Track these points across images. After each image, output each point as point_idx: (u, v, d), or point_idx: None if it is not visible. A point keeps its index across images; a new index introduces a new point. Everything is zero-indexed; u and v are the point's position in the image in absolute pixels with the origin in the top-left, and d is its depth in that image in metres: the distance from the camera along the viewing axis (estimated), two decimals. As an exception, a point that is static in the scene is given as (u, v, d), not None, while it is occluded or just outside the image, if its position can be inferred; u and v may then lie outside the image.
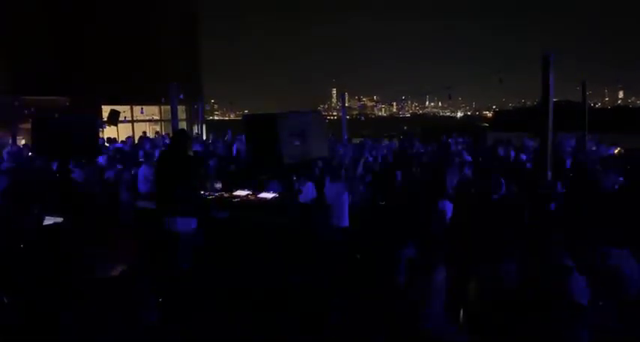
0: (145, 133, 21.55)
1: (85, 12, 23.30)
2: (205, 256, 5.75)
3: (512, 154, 10.10)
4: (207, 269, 5.75)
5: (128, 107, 23.96)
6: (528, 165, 8.58)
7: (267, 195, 6.10)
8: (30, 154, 11.07)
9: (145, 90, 23.01)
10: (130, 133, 23.32)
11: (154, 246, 5.38)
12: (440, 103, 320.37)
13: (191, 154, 5.51)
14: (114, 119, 15.47)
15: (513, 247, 3.88)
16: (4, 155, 10.65)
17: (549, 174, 6.86)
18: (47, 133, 7.57)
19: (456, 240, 4.61)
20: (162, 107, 26.73)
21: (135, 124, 25.55)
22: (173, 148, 5.52)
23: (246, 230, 5.72)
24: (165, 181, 5.28)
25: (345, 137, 11.38)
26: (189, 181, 5.16)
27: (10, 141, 16.58)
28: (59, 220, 5.91)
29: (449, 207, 5.60)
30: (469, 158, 9.14)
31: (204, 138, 16.04)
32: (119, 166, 9.32)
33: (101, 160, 9.80)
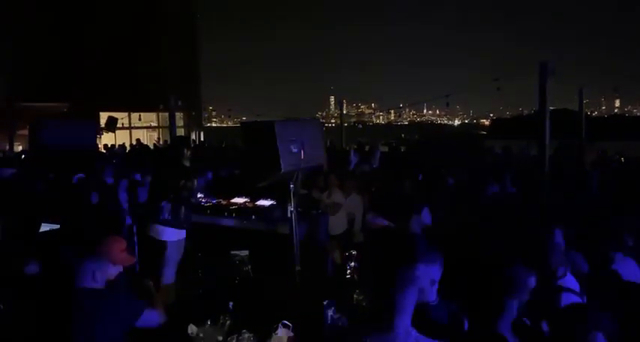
0: (139, 140, 21.47)
1: (84, 19, 23.38)
2: (200, 263, 5.72)
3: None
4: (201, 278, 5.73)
5: (126, 114, 24.01)
6: None
7: (265, 202, 6.09)
8: (26, 158, 11.05)
9: (143, 97, 23.04)
10: (128, 140, 23.33)
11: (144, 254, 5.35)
12: (437, 111, 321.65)
13: (187, 163, 5.32)
14: (112, 126, 15.46)
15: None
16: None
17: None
18: (44, 139, 7.55)
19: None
20: (160, 114, 26.76)
21: (132, 130, 25.56)
22: (170, 156, 5.42)
23: (243, 238, 5.70)
24: (155, 190, 5.22)
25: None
26: (180, 191, 5.03)
27: (8, 147, 16.56)
28: (55, 226, 5.89)
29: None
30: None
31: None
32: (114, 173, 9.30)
33: (99, 166, 9.77)
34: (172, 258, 5.11)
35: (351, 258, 4.23)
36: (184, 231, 5.17)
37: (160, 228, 5.05)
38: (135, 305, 2.96)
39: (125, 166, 10.85)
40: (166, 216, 5.01)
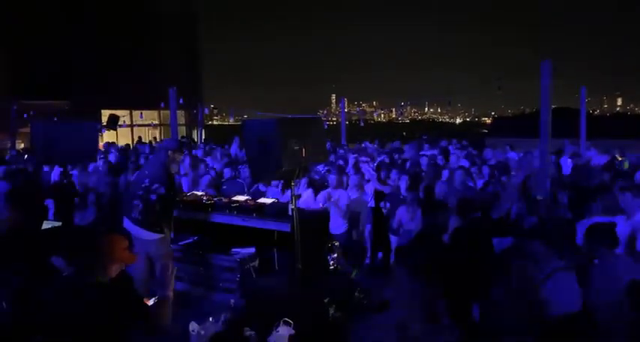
0: (140, 138, 21.45)
1: (86, 17, 23.37)
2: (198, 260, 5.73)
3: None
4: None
5: (127, 112, 23.96)
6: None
7: (267, 200, 6.09)
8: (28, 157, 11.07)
9: (144, 95, 23.02)
10: (130, 138, 23.33)
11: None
12: (439, 109, 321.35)
13: (173, 167, 5.16)
14: (113, 124, 15.44)
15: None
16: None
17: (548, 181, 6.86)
18: (46, 137, 7.54)
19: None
20: (161, 112, 26.73)
21: (134, 128, 25.58)
22: (154, 157, 5.36)
23: (244, 235, 5.71)
24: (130, 187, 5.19)
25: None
26: (150, 193, 4.95)
27: (9, 145, 16.59)
28: (57, 224, 5.91)
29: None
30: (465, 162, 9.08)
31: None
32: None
33: (100, 164, 9.79)
34: (158, 255, 5.05)
35: (332, 249, 4.26)
36: (166, 230, 5.07)
37: (132, 226, 5.02)
38: (138, 304, 2.99)
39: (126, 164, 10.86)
40: (136, 215, 4.98)
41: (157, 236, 5.02)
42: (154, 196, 4.96)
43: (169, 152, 5.12)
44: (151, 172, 5.11)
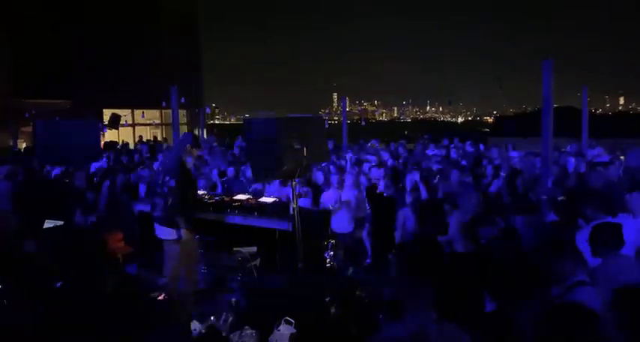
0: (141, 137, 21.43)
1: (87, 16, 23.40)
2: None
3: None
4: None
5: (129, 111, 23.97)
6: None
7: (268, 199, 6.09)
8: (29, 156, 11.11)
9: (146, 94, 23.04)
10: (131, 137, 23.35)
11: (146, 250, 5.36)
12: (441, 108, 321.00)
13: (189, 160, 5.10)
14: (115, 123, 15.51)
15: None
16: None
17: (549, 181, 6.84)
18: (48, 137, 7.56)
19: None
20: (163, 111, 26.75)
21: (136, 127, 25.59)
22: (172, 153, 5.34)
23: (246, 234, 5.71)
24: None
25: None
26: (169, 189, 4.92)
27: (12, 144, 16.63)
28: (59, 223, 5.91)
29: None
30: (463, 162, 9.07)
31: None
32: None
33: (102, 163, 9.81)
34: (171, 256, 5.01)
35: (328, 247, 4.25)
36: (182, 230, 4.95)
37: (156, 225, 5.00)
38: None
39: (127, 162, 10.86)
40: (159, 213, 4.95)
41: (175, 234, 4.94)
42: (165, 190, 4.91)
43: (187, 146, 5.07)
44: (166, 166, 5.08)
